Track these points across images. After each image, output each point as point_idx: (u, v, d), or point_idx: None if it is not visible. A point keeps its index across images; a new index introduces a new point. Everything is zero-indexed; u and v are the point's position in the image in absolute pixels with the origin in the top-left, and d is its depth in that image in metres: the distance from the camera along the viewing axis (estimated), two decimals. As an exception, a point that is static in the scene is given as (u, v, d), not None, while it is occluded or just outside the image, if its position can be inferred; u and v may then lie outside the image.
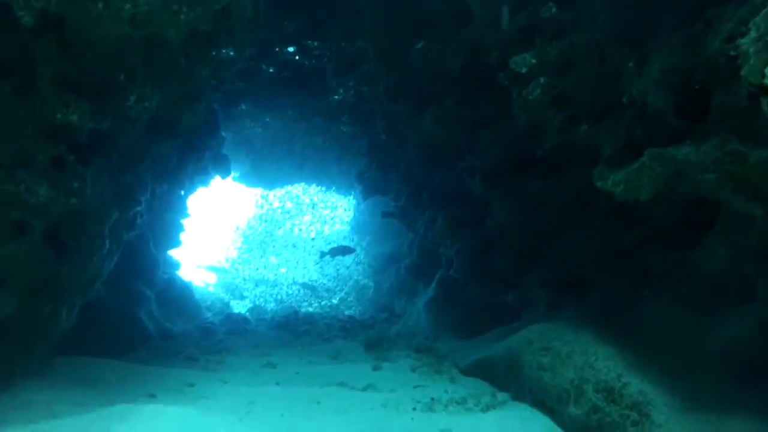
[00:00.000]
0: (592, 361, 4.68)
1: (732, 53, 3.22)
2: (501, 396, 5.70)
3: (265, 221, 20.08)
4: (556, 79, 5.03)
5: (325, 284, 18.20)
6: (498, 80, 5.83)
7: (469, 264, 7.90)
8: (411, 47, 7.05)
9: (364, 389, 5.98)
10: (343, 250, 15.85)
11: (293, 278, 18.87)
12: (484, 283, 7.92)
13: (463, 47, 6.39)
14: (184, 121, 6.42)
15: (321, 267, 19.12)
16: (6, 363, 5.23)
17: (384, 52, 7.50)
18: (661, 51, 4.01)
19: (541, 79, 5.03)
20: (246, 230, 20.33)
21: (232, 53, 8.15)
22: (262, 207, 19.97)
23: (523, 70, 5.07)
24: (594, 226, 6.08)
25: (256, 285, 18.29)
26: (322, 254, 16.00)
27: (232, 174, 17.29)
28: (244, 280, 18.50)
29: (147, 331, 8.30)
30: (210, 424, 4.47)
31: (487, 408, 5.44)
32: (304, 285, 18.09)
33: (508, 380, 5.89)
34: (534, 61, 4.99)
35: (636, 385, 4.20)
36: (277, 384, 6.20)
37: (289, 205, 20.15)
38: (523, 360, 5.57)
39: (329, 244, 18.36)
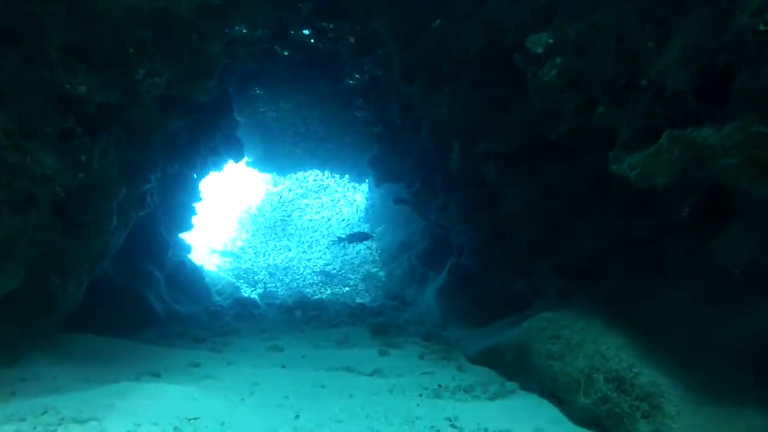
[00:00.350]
0: (603, 350, 4.55)
1: (761, 27, 3.06)
2: (509, 385, 5.61)
3: (277, 206, 19.98)
4: (573, 60, 4.87)
5: (338, 271, 18.08)
6: (515, 62, 5.68)
7: (481, 250, 7.78)
8: (426, 28, 6.90)
9: (371, 374, 5.91)
10: (361, 237, 15.59)
11: (307, 264, 18.76)
12: (495, 270, 7.80)
13: (480, 27, 6.23)
14: (195, 99, 6.34)
15: (332, 255, 19.02)
16: (15, 336, 5.24)
17: (399, 33, 7.35)
18: (684, 30, 3.84)
19: (558, 60, 4.87)
20: (257, 214, 20.20)
21: (245, 30, 8.03)
22: (273, 192, 19.81)
23: (540, 50, 4.91)
24: (608, 213, 5.93)
25: (269, 272, 18.22)
26: (339, 240, 15.78)
27: (245, 159, 17.34)
28: (255, 266, 18.43)
29: (155, 311, 8.29)
30: (211, 404, 4.43)
31: (494, 396, 5.36)
32: (322, 272, 17.92)
33: (517, 369, 5.80)
34: (551, 41, 4.84)
35: (648, 376, 4.06)
36: (283, 367, 6.15)
37: (299, 191, 20.01)
38: (532, 348, 5.46)
39: (347, 230, 18.26)
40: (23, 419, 3.78)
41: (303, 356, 6.75)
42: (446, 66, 6.84)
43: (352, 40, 9.32)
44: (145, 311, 8.08)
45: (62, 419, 3.84)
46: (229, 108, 9.26)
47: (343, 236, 15.84)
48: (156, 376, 5.40)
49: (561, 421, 4.60)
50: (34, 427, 3.67)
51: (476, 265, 8.10)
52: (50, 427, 3.67)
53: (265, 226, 19.76)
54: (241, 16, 5.98)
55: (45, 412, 3.91)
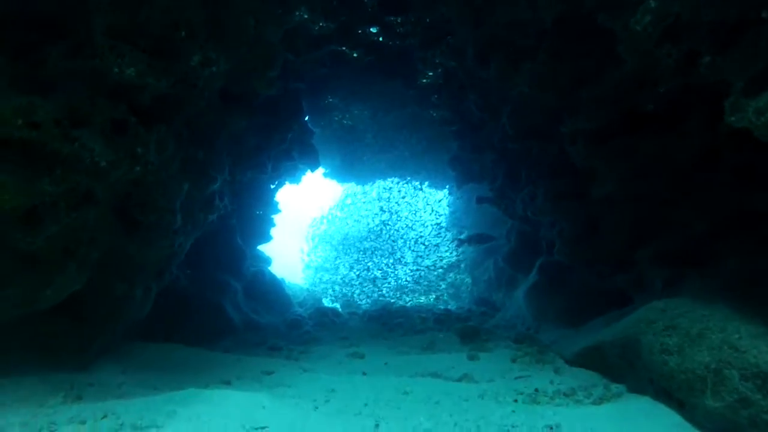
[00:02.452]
0: (734, 339, 3.77)
1: None
2: (615, 387, 4.86)
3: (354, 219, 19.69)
4: (670, 3, 4.12)
5: (422, 280, 17.52)
6: (598, 26, 4.99)
7: (574, 243, 7.02)
8: (496, 4, 6.30)
9: (459, 380, 5.32)
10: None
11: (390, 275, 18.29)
12: (590, 264, 7.02)
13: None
14: (258, 92, 6.02)
15: (414, 264, 18.49)
16: (81, 342, 5.04)
17: (468, 11, 6.78)
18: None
19: (652, 3, 4.14)
20: (329, 229, 19.90)
21: (305, 15, 7.69)
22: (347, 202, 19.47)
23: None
24: (720, 187, 5.11)
25: (349, 283, 17.90)
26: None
27: (323, 170, 17.22)
28: (336, 278, 18.15)
29: (232, 321, 8.05)
30: (281, 412, 3.97)
31: (599, 400, 4.65)
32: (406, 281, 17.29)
33: (623, 369, 5.05)
34: (643, -19, 4.12)
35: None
36: (364, 374, 5.66)
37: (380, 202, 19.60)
38: (642, 343, 4.68)
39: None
40: (83, 422, 3.61)
41: (385, 363, 6.24)
42: (522, 41, 6.22)
43: (420, 30, 8.80)
44: (221, 321, 7.85)
45: (122, 424, 3.58)
46: (299, 109, 8.98)
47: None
48: (226, 383, 5.06)
49: (684, 428, 3.83)
50: (93, 431, 3.43)
51: (569, 260, 7.33)
52: (109, 432, 3.37)
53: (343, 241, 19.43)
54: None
55: (105, 417, 3.71)
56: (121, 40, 4.00)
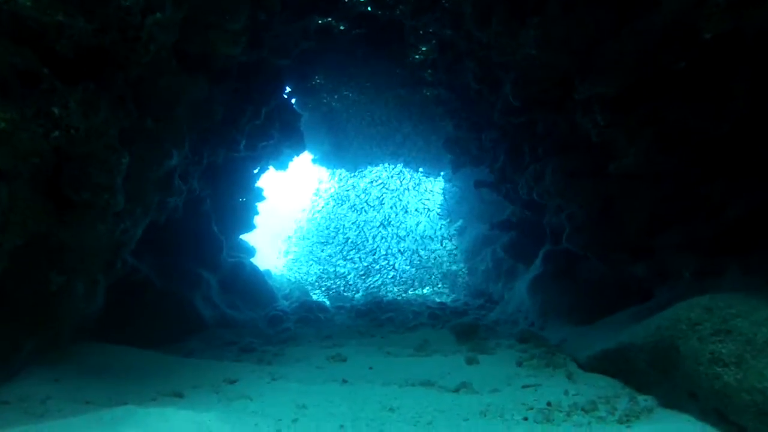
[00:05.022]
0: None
1: None
2: (643, 400, 4.08)
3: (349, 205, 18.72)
4: None
5: (416, 271, 16.62)
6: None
7: (585, 227, 6.19)
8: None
9: (456, 390, 4.48)
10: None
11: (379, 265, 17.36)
12: (603, 251, 6.21)
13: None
14: (221, 54, 5.15)
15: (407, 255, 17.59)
16: (6, 345, 4.18)
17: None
18: None
19: None
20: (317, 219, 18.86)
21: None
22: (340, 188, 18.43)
23: None
24: (763, 161, 4.30)
25: (338, 275, 16.96)
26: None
27: (311, 156, 16.31)
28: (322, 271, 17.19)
29: (201, 318, 7.20)
30: (232, 438, 3.14)
31: (626, 418, 3.85)
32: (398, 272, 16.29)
33: (653, 377, 4.25)
34: None
35: None
36: (344, 382, 4.82)
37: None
38: (682, 349, 3.84)
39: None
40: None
41: (370, 367, 5.40)
42: (529, -8, 5.34)
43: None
44: (189, 317, 7.00)
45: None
46: (277, 83, 8.07)
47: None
48: (178, 396, 4.23)
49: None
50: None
51: (579, 247, 6.50)
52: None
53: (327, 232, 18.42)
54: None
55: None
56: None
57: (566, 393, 4.32)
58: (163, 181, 5.26)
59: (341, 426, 3.53)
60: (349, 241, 17.34)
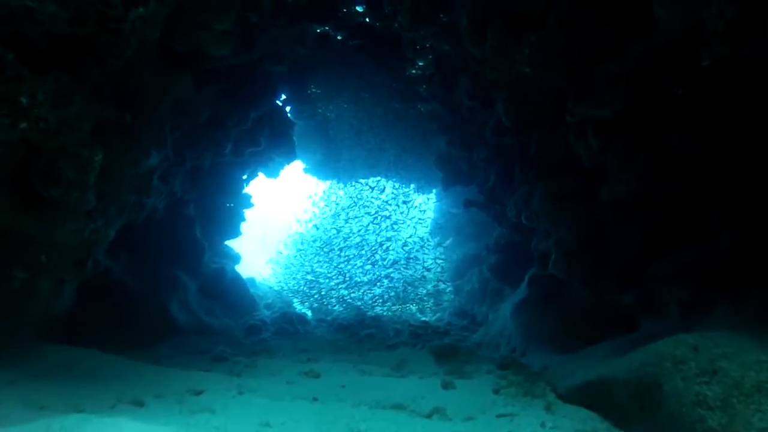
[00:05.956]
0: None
1: None
2: (622, 436, 3.90)
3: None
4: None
5: (400, 288, 16.41)
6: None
7: (574, 253, 6.05)
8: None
9: (429, 416, 4.30)
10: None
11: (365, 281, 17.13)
12: (591, 278, 6.06)
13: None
14: (208, 54, 5.01)
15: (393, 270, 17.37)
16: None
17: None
18: None
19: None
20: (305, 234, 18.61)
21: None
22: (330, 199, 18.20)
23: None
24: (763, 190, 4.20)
25: (323, 288, 16.70)
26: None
27: (303, 165, 16.16)
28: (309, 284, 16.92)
29: (175, 323, 7.00)
30: (184, 458, 2.96)
31: (605, 456, 3.67)
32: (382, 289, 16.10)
33: (633, 414, 4.08)
34: None
35: None
36: (314, 400, 4.63)
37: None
38: (665, 388, 3.69)
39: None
40: None
41: (343, 386, 5.21)
42: (526, 8, 5.24)
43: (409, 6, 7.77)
44: (162, 322, 6.80)
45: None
46: (268, 88, 7.94)
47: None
48: (138, 404, 4.04)
49: None
50: None
51: (566, 273, 6.36)
52: None
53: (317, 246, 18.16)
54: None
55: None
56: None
57: (543, 425, 4.15)
58: (140, 181, 5.10)
59: (303, 449, 3.35)
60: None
